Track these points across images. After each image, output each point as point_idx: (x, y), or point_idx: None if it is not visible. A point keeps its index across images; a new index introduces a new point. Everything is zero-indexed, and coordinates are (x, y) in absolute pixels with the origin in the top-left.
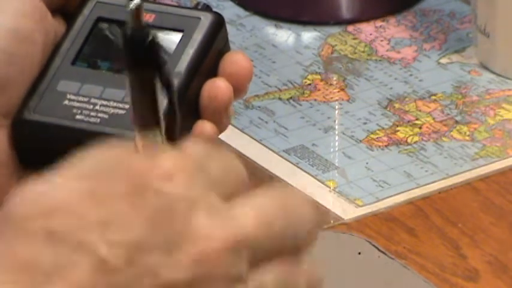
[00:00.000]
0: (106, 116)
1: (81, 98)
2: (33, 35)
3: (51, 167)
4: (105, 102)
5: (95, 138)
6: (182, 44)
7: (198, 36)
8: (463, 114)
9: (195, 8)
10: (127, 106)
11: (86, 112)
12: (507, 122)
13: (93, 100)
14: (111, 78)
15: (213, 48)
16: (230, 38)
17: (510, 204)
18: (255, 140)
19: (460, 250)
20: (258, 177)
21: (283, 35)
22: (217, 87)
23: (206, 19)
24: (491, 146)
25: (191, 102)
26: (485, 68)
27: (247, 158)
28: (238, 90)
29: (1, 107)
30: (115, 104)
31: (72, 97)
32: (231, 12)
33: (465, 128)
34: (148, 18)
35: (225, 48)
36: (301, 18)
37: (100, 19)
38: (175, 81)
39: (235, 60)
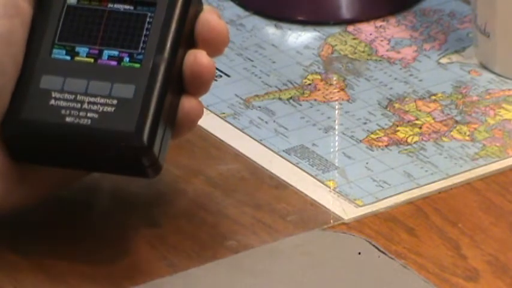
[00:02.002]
0: (96, 116)
1: (66, 96)
2: (14, 34)
3: (43, 163)
4: (92, 99)
5: (87, 141)
6: (157, 21)
7: (171, 11)
8: (463, 114)
9: None
10: (115, 101)
11: (75, 113)
12: (507, 122)
13: (79, 97)
14: (93, 68)
15: (189, 15)
16: (230, 38)
17: (510, 204)
18: (255, 140)
19: (460, 250)
20: (258, 177)
21: (283, 35)
22: (200, 65)
23: None
24: (491, 146)
25: (177, 78)
26: (485, 68)
27: (247, 158)
28: (216, 53)
29: None
30: (103, 101)
31: (58, 95)
32: (231, 12)
33: (465, 128)
34: None
35: (199, 6)
36: (301, 18)
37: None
38: (159, 65)
39: (212, 26)
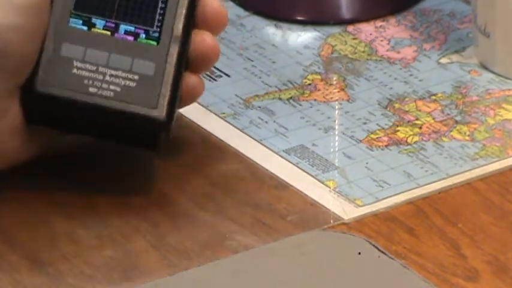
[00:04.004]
0: (118, 89)
1: (88, 66)
2: (45, 5)
3: (57, 128)
4: (114, 72)
5: (109, 114)
6: (173, 2)
7: None
8: (463, 114)
9: None
10: (136, 77)
11: (98, 84)
12: (507, 122)
13: (101, 69)
14: (111, 41)
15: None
16: (230, 38)
17: (510, 204)
18: (255, 140)
19: (460, 250)
20: (258, 177)
21: (283, 35)
22: (207, 46)
23: None
24: (491, 146)
25: (186, 59)
26: (485, 68)
27: (247, 158)
28: (215, 34)
29: (20, 80)
30: (124, 75)
31: (79, 64)
32: (231, 12)
33: (465, 128)
34: None
35: None
36: (301, 18)
37: None
38: (176, 45)
39: (215, 8)
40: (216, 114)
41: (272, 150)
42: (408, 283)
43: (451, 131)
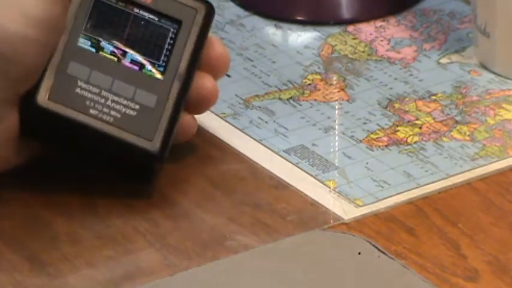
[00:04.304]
0: (118, 116)
1: (92, 88)
2: (60, 21)
3: (50, 143)
4: (116, 98)
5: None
6: (181, 39)
7: (195, 32)
8: (463, 114)
9: None
10: (137, 106)
11: (99, 107)
12: (507, 122)
13: (104, 93)
14: (117, 68)
15: (206, 40)
16: (230, 38)
17: (510, 204)
18: (255, 140)
19: (460, 250)
20: (258, 177)
21: (283, 35)
22: (208, 90)
23: (201, 11)
24: (491, 146)
25: (187, 98)
26: (485, 68)
27: (247, 158)
28: (215, 79)
29: (23, 89)
30: (126, 103)
31: (84, 85)
32: (231, 12)
33: (465, 128)
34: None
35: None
36: (301, 18)
37: None
38: (179, 82)
39: (218, 54)
40: (216, 114)
41: (272, 150)
42: (408, 283)
43: (451, 131)
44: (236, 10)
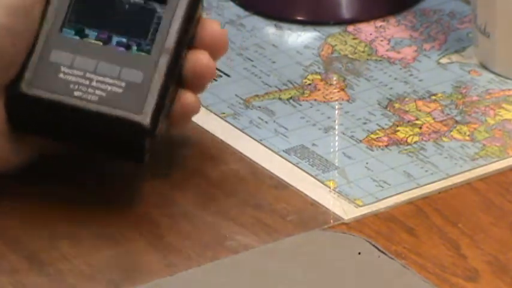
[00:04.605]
0: (104, 94)
1: (76, 72)
2: (34, 9)
3: (40, 134)
4: (101, 78)
5: (93, 117)
6: (167, 17)
7: (181, 8)
8: (463, 114)
9: None
10: (123, 84)
11: (83, 88)
12: (507, 122)
13: (88, 75)
14: (102, 50)
15: (195, 17)
16: (230, 38)
17: (510, 204)
18: (255, 140)
19: (460, 250)
20: (258, 177)
21: (283, 35)
22: (202, 65)
23: None
24: (491, 146)
25: (177, 73)
26: (485, 68)
27: (247, 158)
28: (214, 59)
29: (4, 80)
30: (111, 81)
31: (67, 70)
32: (231, 12)
33: (465, 128)
34: None
35: (202, 12)
36: (301, 18)
37: None
38: (166, 57)
39: (212, 31)
40: (216, 114)
41: (272, 150)
42: (408, 283)
43: (451, 131)
44: (236, 10)
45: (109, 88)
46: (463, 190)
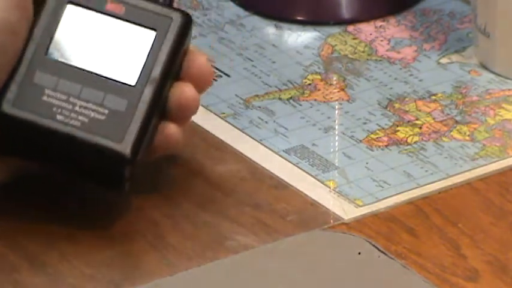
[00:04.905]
0: (86, 120)
1: (59, 95)
2: (20, 26)
3: (25, 158)
4: (84, 104)
5: (74, 143)
6: (156, 46)
7: (170, 39)
8: (463, 114)
9: (162, 3)
10: (106, 111)
11: (66, 113)
12: (507, 122)
13: (72, 99)
14: (87, 75)
15: (183, 49)
16: (230, 38)
17: (510, 204)
18: (255, 140)
19: (460, 250)
20: (258, 177)
21: (283, 35)
22: (187, 98)
23: (177, 19)
24: (491, 146)
25: (162, 104)
26: (485, 68)
27: (247, 158)
28: (200, 91)
29: None
30: (95, 107)
31: (51, 93)
32: (231, 12)
33: (465, 128)
34: (118, 10)
35: (188, 43)
36: (301, 18)
37: (71, 2)
38: (151, 87)
39: (199, 64)
40: (216, 114)
41: (272, 150)
42: (408, 283)
43: (451, 131)
44: (236, 10)
45: (92, 114)
46: (463, 190)
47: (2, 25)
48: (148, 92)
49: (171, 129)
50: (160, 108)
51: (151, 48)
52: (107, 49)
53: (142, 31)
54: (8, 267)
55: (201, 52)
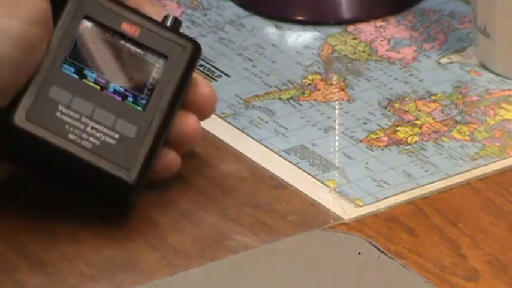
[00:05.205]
0: (97, 143)
1: (72, 114)
2: (41, 43)
3: (28, 168)
4: (96, 126)
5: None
6: (167, 74)
7: (181, 68)
8: (463, 114)
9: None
10: (117, 136)
11: (78, 132)
12: (507, 122)
13: (84, 119)
14: (99, 96)
15: (190, 79)
16: (230, 37)
17: (510, 204)
18: (255, 140)
19: (460, 250)
20: (258, 177)
21: (283, 35)
22: (190, 129)
23: (188, 48)
24: (491, 146)
25: (168, 132)
26: (485, 68)
27: (247, 158)
28: (201, 119)
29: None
30: (106, 131)
31: (64, 110)
32: (231, 12)
33: (465, 128)
34: (133, 32)
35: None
36: (301, 18)
37: (87, 17)
38: (161, 115)
39: (206, 95)
40: (216, 114)
41: (272, 150)
42: (408, 283)
43: (451, 131)
44: (236, 10)
45: (103, 137)
46: (463, 190)
47: (23, 42)
48: (157, 120)
49: (172, 157)
50: (166, 136)
51: (162, 75)
52: (119, 70)
53: (154, 56)
54: (8, 266)
55: (204, 80)
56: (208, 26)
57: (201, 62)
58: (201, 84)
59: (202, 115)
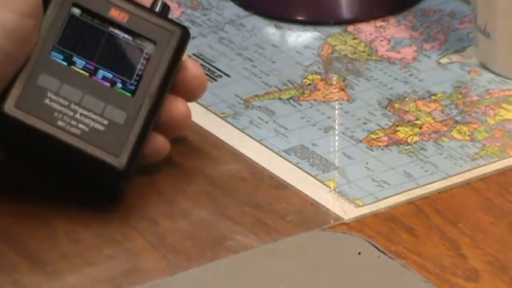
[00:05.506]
0: (86, 129)
1: (61, 100)
2: (31, 35)
3: (19, 158)
4: (85, 112)
5: (72, 152)
6: (155, 59)
7: (169, 53)
8: (463, 114)
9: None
10: (106, 122)
11: (67, 119)
12: (507, 122)
13: (73, 106)
14: (88, 82)
15: (179, 63)
16: (230, 37)
17: (510, 204)
18: (255, 140)
19: (460, 250)
20: (258, 177)
21: (283, 35)
22: (179, 114)
23: (176, 34)
24: (491, 146)
25: (157, 117)
26: (485, 68)
27: (247, 158)
28: (190, 101)
29: None
30: (95, 117)
31: (53, 97)
32: (231, 12)
33: (465, 128)
34: (121, 18)
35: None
36: (301, 18)
37: (75, 5)
38: (149, 101)
39: (194, 76)
40: (216, 114)
41: (272, 150)
42: (408, 283)
43: (451, 131)
44: (236, 10)
45: (92, 124)
46: (463, 190)
47: (15, 34)
48: (146, 106)
49: (161, 141)
50: (155, 121)
51: (150, 61)
52: (107, 58)
53: (142, 42)
54: (8, 266)
55: (192, 62)
56: (208, 26)
57: (201, 62)
58: (190, 66)
59: (192, 96)
